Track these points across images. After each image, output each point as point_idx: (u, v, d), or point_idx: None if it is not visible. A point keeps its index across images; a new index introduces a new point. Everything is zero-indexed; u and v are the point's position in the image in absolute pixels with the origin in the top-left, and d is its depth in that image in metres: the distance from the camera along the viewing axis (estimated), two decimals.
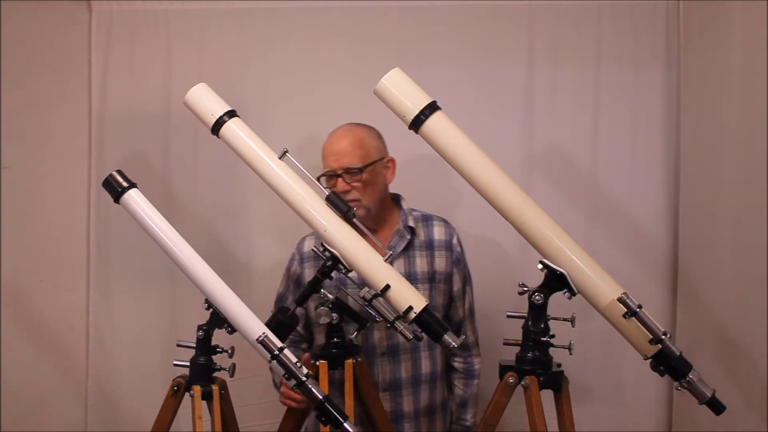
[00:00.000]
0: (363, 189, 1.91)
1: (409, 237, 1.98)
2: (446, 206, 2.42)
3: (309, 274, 2.00)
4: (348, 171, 1.89)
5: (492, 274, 2.46)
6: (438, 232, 2.02)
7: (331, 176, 1.92)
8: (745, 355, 1.95)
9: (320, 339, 2.00)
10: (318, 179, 1.86)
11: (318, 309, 1.75)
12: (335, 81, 2.53)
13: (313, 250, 1.78)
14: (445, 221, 2.06)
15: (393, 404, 1.96)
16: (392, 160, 2.01)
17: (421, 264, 1.97)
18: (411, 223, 1.99)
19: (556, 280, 1.56)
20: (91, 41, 2.62)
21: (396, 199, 2.07)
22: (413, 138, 1.64)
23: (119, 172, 1.76)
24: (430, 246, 2.00)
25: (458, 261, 2.02)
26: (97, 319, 2.61)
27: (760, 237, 1.85)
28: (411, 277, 1.92)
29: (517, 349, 1.63)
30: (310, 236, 2.05)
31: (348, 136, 1.94)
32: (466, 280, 2.06)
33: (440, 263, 1.99)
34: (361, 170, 1.90)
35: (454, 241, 2.02)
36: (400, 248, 1.96)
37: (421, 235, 2.01)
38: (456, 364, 2.08)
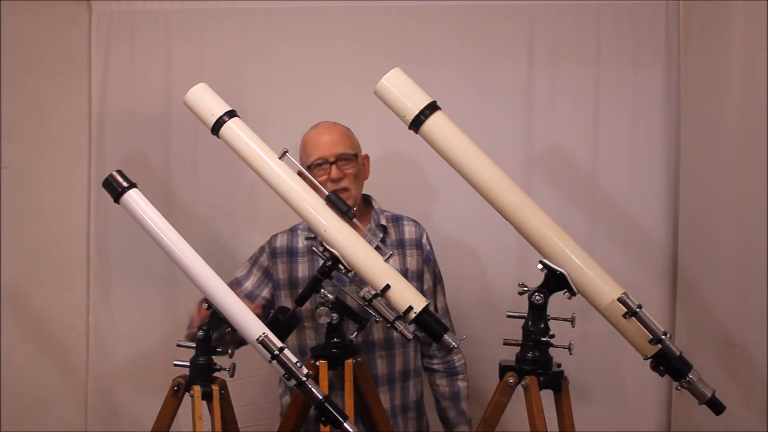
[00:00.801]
0: (353, 178, 1.93)
1: (381, 236, 1.99)
2: (440, 206, 2.44)
3: (282, 269, 2.01)
4: (342, 157, 1.91)
5: (492, 274, 2.47)
6: (409, 232, 2.04)
7: (320, 165, 1.91)
8: (745, 355, 1.95)
9: (294, 336, 2.00)
10: (308, 168, 1.87)
11: (318, 309, 1.75)
12: (335, 81, 2.53)
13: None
14: (414, 221, 2.08)
15: None
16: (368, 158, 2.05)
17: (393, 262, 1.96)
18: (383, 222, 2.01)
19: (556, 280, 1.56)
20: (91, 41, 2.62)
21: (367, 199, 2.08)
22: (412, 138, 1.64)
23: (119, 172, 1.75)
24: (401, 245, 2.02)
25: (428, 259, 2.04)
26: (97, 319, 2.61)
27: (760, 237, 1.85)
28: None
29: (517, 349, 1.63)
30: (282, 233, 2.06)
31: (336, 128, 1.98)
32: (437, 278, 2.07)
33: (412, 262, 2.01)
34: (355, 156, 1.93)
35: (424, 240, 2.05)
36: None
37: (393, 234, 2.02)
38: (435, 366, 2.07)
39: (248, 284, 2.04)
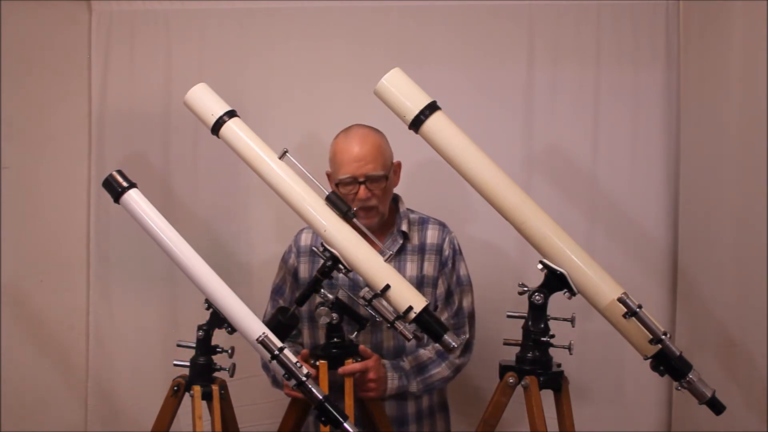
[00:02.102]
0: (381, 195, 1.88)
1: (401, 241, 1.96)
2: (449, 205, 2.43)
3: (304, 269, 2.00)
4: (371, 178, 1.85)
5: (492, 274, 2.46)
6: (431, 236, 1.98)
7: (349, 183, 1.85)
8: (745, 355, 1.95)
9: (306, 335, 2.01)
10: (336, 185, 1.85)
11: (318, 309, 1.75)
12: (335, 81, 2.53)
13: (313, 249, 1.78)
14: (441, 224, 2.02)
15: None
16: (399, 164, 1.98)
17: (411, 269, 1.95)
18: (404, 228, 1.96)
19: (556, 280, 1.56)
20: (91, 41, 2.62)
21: (395, 200, 2.04)
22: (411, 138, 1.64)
23: (119, 172, 1.76)
24: (422, 250, 1.97)
25: (445, 264, 1.97)
26: (97, 319, 2.61)
27: (760, 237, 1.85)
28: None
29: (517, 349, 1.63)
30: (307, 229, 2.03)
31: (367, 142, 1.87)
32: (457, 283, 1.99)
33: (428, 267, 1.96)
34: (385, 177, 1.86)
35: (445, 245, 1.97)
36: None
37: (415, 239, 1.98)
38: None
39: (287, 291, 2.02)
